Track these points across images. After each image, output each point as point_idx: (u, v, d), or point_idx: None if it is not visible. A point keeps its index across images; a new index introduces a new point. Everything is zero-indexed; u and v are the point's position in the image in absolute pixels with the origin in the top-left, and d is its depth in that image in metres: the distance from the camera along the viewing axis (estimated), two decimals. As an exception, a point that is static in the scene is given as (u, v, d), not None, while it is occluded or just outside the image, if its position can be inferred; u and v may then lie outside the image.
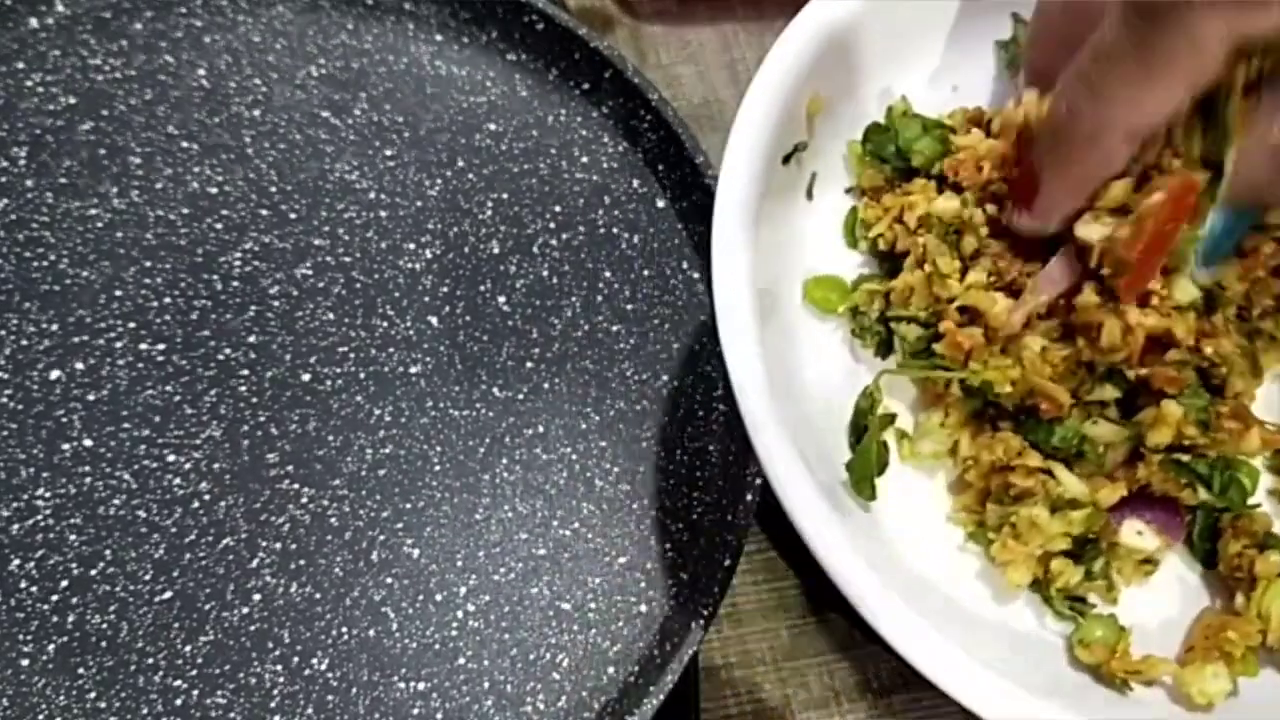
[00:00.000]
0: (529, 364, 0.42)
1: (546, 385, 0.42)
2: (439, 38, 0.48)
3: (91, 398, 0.39)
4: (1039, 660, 0.34)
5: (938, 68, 0.43)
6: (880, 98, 0.42)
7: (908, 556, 0.36)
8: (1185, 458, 0.34)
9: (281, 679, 0.36)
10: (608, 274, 0.44)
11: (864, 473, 0.36)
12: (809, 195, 0.40)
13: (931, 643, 0.31)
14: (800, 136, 0.39)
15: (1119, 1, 0.29)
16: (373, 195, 0.44)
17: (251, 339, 0.41)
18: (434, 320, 0.42)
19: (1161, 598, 0.36)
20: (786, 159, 0.39)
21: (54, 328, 0.40)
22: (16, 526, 0.37)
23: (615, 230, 0.45)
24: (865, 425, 0.37)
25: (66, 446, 0.38)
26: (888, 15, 0.41)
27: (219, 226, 0.43)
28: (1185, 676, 0.33)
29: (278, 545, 0.38)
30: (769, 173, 0.37)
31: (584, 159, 0.46)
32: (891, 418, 0.38)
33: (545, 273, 0.44)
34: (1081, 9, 0.33)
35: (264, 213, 0.43)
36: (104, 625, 0.36)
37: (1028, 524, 0.34)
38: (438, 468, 0.40)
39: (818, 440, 0.36)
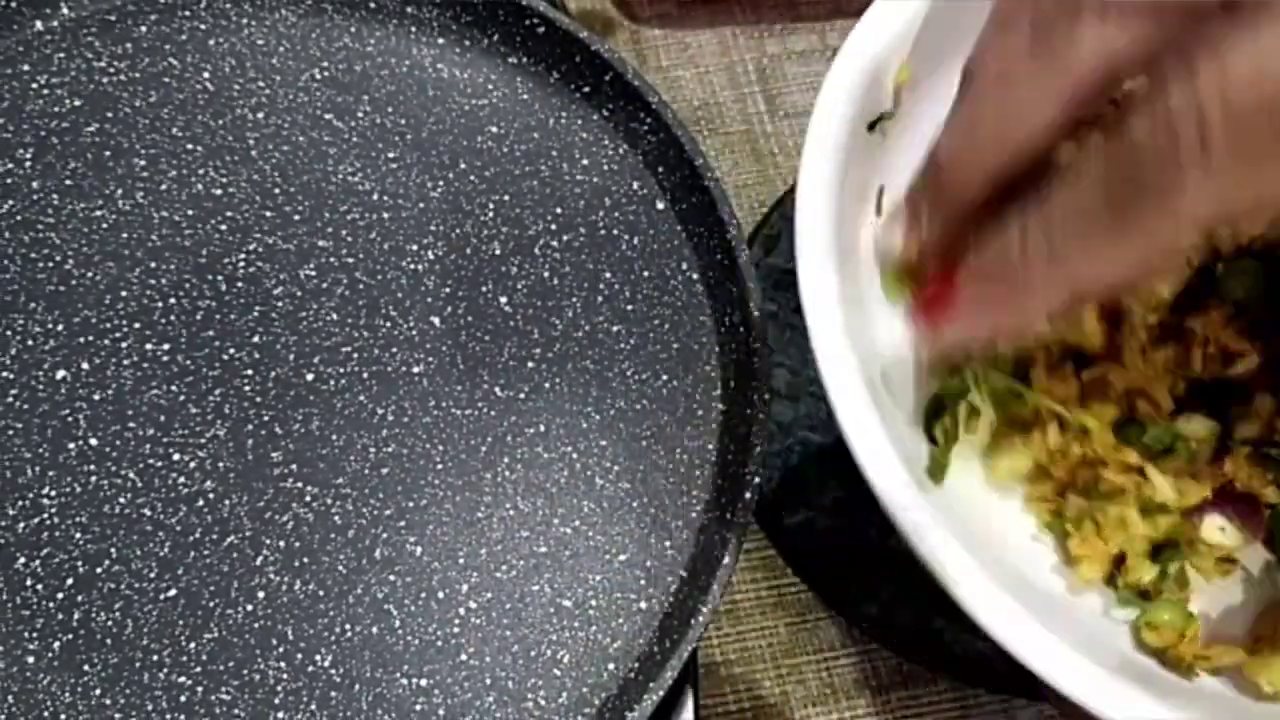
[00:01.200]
0: (530, 364, 0.42)
1: (547, 385, 0.42)
2: (441, 41, 0.48)
3: (97, 397, 0.40)
4: (1106, 643, 0.34)
5: None
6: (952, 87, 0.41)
7: (981, 537, 0.35)
8: (1274, 451, 0.34)
9: (285, 676, 0.36)
10: (608, 275, 0.44)
11: (942, 459, 0.36)
12: (878, 210, 0.39)
13: (1027, 628, 0.30)
14: (887, 105, 0.38)
15: (1099, 163, 0.25)
16: (375, 197, 0.44)
17: (255, 339, 0.41)
18: (436, 320, 0.43)
19: (1228, 588, 0.36)
20: (872, 126, 0.38)
21: (60, 328, 0.41)
22: (22, 524, 0.37)
23: (615, 232, 0.45)
24: (945, 405, 0.36)
25: (72, 445, 0.39)
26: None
27: (223, 228, 0.43)
28: (1254, 666, 0.33)
29: (281, 543, 0.38)
30: (855, 138, 0.36)
31: (584, 161, 0.46)
32: (975, 411, 0.37)
33: (546, 274, 0.44)
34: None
35: (268, 214, 0.43)
36: (109, 622, 0.36)
37: (1116, 522, 0.34)
38: (440, 466, 0.40)
39: (897, 417, 0.36)
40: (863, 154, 0.37)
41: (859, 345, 0.33)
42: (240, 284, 0.42)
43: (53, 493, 0.38)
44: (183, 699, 0.36)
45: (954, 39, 0.39)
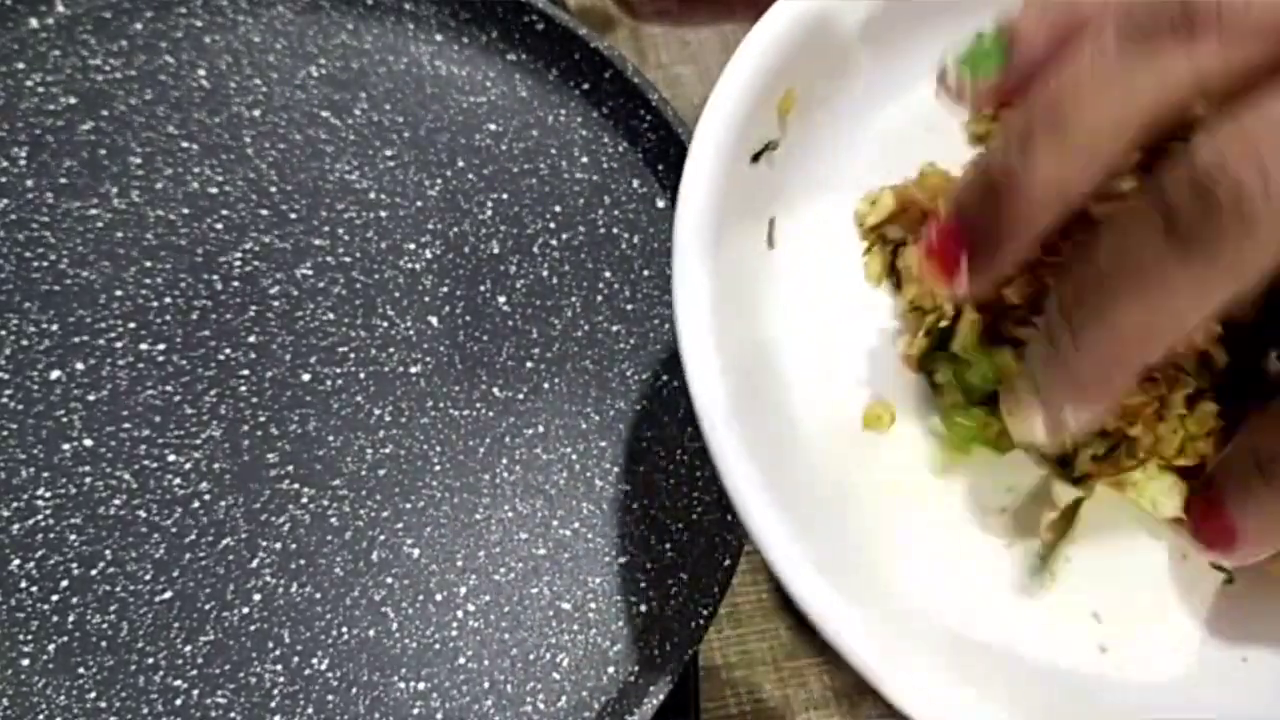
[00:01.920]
0: (529, 364, 0.42)
1: (546, 385, 0.42)
2: (439, 38, 0.48)
3: (92, 398, 0.39)
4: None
5: (929, 73, 0.41)
6: (862, 98, 0.39)
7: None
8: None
9: (282, 679, 0.36)
10: (608, 274, 0.44)
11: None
12: (770, 243, 0.37)
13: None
14: (772, 134, 0.37)
15: (1156, 198, 0.23)
16: (373, 195, 0.44)
17: (251, 339, 0.41)
18: (434, 320, 0.42)
19: None
20: (756, 157, 0.36)
21: (54, 328, 0.40)
22: (17, 526, 0.37)
23: (615, 230, 0.45)
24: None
25: (67, 446, 0.38)
26: (877, 7, 0.38)
27: (219, 226, 0.43)
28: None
29: (278, 545, 0.38)
30: (734, 170, 0.35)
31: (584, 159, 0.46)
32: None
33: (545, 273, 0.44)
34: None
35: (264, 213, 0.43)
36: (104, 625, 0.36)
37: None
38: (438, 467, 0.40)
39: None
40: (747, 187, 0.36)
41: (742, 398, 0.32)
42: (236, 283, 0.42)
43: (47, 494, 0.38)
44: (179, 702, 0.35)
45: (842, 62, 0.38)
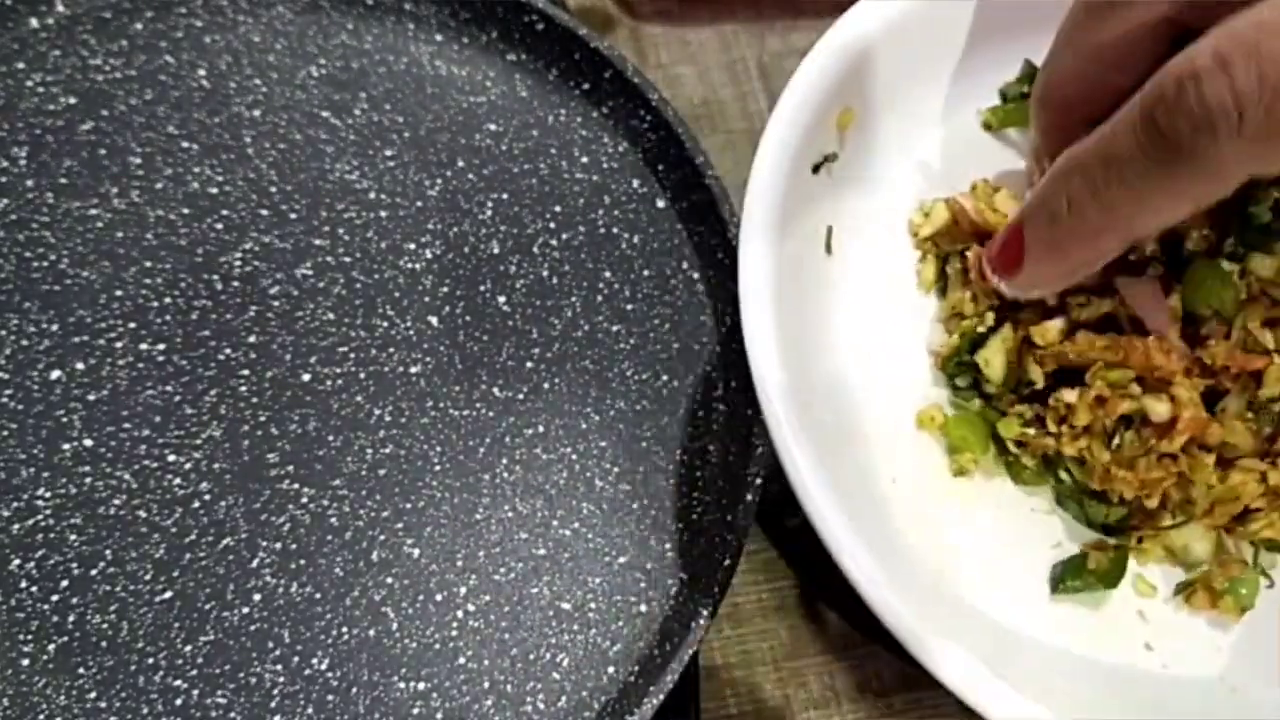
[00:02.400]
0: (529, 364, 0.42)
1: (546, 385, 0.42)
2: (439, 38, 0.48)
3: (92, 398, 0.39)
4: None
5: (977, 96, 0.42)
6: (914, 119, 0.42)
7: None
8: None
9: (282, 679, 0.36)
10: (608, 274, 0.44)
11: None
12: (828, 249, 0.39)
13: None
14: (831, 147, 0.39)
15: (1135, 113, 0.27)
16: (373, 195, 0.44)
17: (251, 339, 0.41)
18: (434, 320, 0.42)
19: None
20: (816, 168, 0.39)
21: (54, 328, 0.40)
22: (17, 526, 0.37)
23: (615, 230, 0.45)
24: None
25: (67, 446, 0.38)
26: (936, 26, 0.40)
27: (219, 226, 0.43)
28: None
29: (278, 545, 0.38)
30: (796, 177, 0.37)
31: (584, 159, 0.46)
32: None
33: (545, 273, 0.44)
34: (1095, 83, 0.32)
35: (264, 213, 0.43)
36: (104, 625, 0.36)
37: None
38: (438, 468, 0.40)
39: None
40: (807, 196, 0.38)
41: (799, 383, 0.34)
42: (236, 283, 0.42)
43: (47, 494, 0.38)
44: (179, 702, 0.35)
45: (897, 82, 0.40)
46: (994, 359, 0.36)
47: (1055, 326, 0.35)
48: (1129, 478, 0.33)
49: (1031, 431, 0.36)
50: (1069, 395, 0.34)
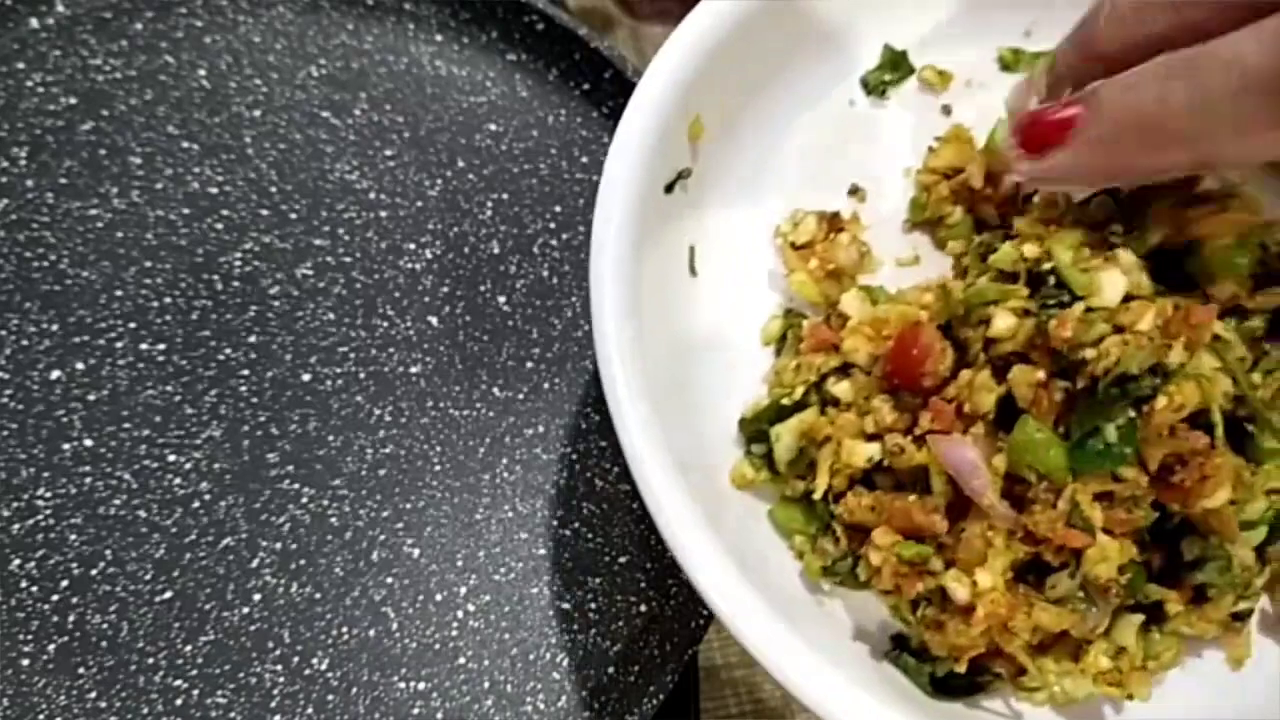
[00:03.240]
0: (529, 364, 0.42)
1: (546, 385, 0.42)
2: (439, 38, 0.48)
3: (92, 398, 0.39)
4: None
5: (839, 87, 0.39)
6: (772, 116, 0.38)
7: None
8: None
9: (282, 679, 0.36)
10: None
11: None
12: (692, 271, 0.36)
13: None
14: (684, 162, 0.36)
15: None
16: (373, 195, 0.44)
17: (252, 339, 0.41)
18: (434, 320, 0.42)
19: None
20: (669, 187, 0.36)
21: (54, 328, 0.40)
22: (17, 526, 0.37)
23: (615, 230, 0.45)
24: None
25: (67, 446, 0.38)
26: (783, 17, 0.37)
27: (219, 226, 0.43)
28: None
29: (278, 545, 0.38)
30: (649, 199, 0.34)
31: (584, 159, 0.46)
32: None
33: (545, 273, 0.44)
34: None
35: (264, 213, 0.43)
36: (104, 625, 0.36)
37: None
38: (438, 467, 0.40)
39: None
40: (664, 217, 0.35)
41: (669, 423, 0.31)
42: (236, 283, 0.42)
43: (48, 494, 0.38)
44: (179, 702, 0.35)
45: (746, 84, 0.37)
46: (785, 438, 0.33)
47: (864, 452, 0.32)
48: (938, 640, 0.30)
49: (836, 576, 0.33)
50: (874, 557, 0.31)
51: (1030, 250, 0.33)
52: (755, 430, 0.34)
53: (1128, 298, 0.31)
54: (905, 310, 0.33)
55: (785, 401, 0.34)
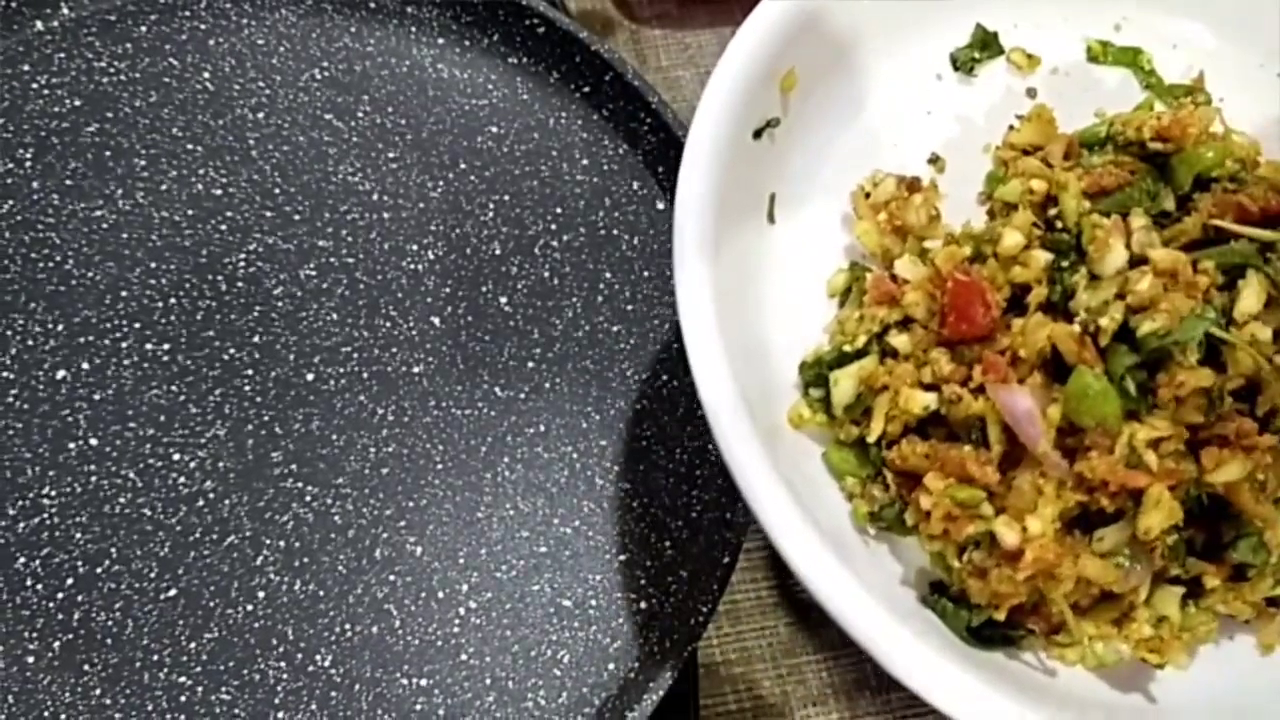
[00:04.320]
0: (530, 364, 0.42)
1: (548, 385, 0.42)
2: (441, 41, 0.48)
3: (97, 397, 0.40)
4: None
5: (930, 59, 0.40)
6: (862, 81, 0.40)
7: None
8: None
9: (285, 675, 0.36)
10: (608, 275, 0.44)
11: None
12: (770, 218, 0.38)
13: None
14: (775, 112, 0.37)
15: None
16: (375, 197, 0.44)
17: (256, 339, 0.41)
18: (436, 320, 0.43)
19: None
20: (758, 133, 0.37)
21: (60, 328, 0.41)
22: (22, 524, 0.37)
23: (615, 231, 0.45)
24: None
25: (72, 445, 0.39)
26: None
27: (223, 228, 0.43)
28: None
29: (281, 543, 0.38)
30: (737, 142, 0.35)
31: (584, 161, 0.47)
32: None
33: (546, 273, 0.44)
34: None
35: (268, 214, 0.44)
36: (109, 622, 0.36)
37: None
38: (440, 466, 0.40)
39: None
40: (748, 162, 0.36)
41: (736, 359, 0.32)
42: (240, 284, 0.42)
43: (53, 493, 0.38)
44: (183, 699, 0.36)
45: (841, 45, 0.39)
46: (844, 382, 0.34)
47: (921, 399, 0.33)
48: (980, 588, 0.31)
49: (883, 522, 0.34)
50: (924, 501, 0.32)
51: (1037, 185, 0.35)
52: (815, 374, 0.35)
53: (1135, 262, 0.32)
54: (950, 251, 0.34)
55: (847, 348, 0.35)
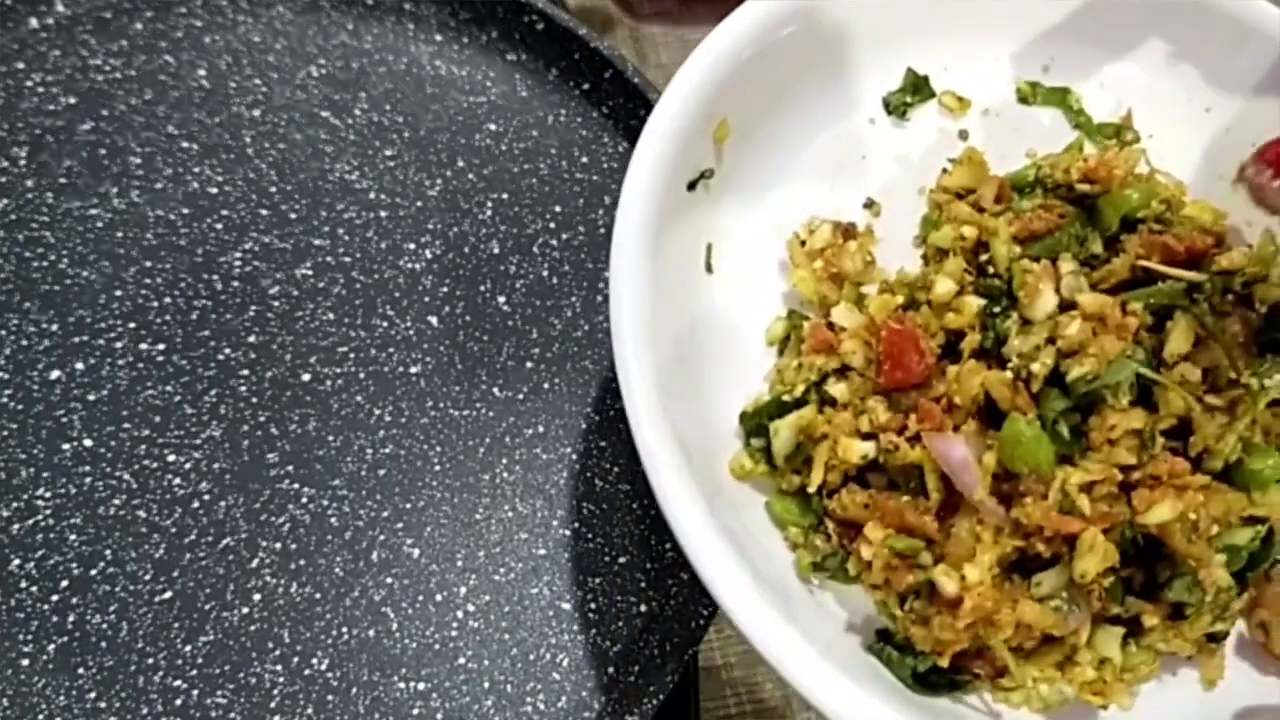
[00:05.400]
0: (529, 364, 0.42)
1: (546, 385, 0.42)
2: (439, 38, 0.48)
3: (92, 398, 0.39)
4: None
5: (863, 104, 0.41)
6: (797, 128, 0.40)
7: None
8: None
9: (281, 679, 0.36)
10: (608, 274, 0.44)
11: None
12: (708, 268, 0.37)
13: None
14: (708, 163, 0.37)
15: None
16: (373, 195, 0.44)
17: (251, 339, 0.41)
18: (434, 320, 0.42)
19: None
20: (692, 185, 0.37)
21: (54, 328, 0.40)
22: (17, 526, 0.37)
23: (615, 230, 0.45)
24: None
25: (67, 446, 0.38)
26: (814, 33, 0.39)
27: (219, 226, 0.43)
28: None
29: (278, 545, 0.38)
30: (671, 195, 0.35)
31: (584, 159, 0.46)
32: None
33: (545, 272, 0.44)
34: None
35: (264, 213, 0.43)
36: (104, 625, 0.36)
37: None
38: (438, 467, 0.40)
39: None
40: (684, 213, 0.36)
41: (677, 412, 0.32)
42: (236, 283, 0.42)
43: (47, 494, 0.38)
44: (178, 702, 0.35)
45: (773, 92, 0.39)
46: (784, 432, 0.34)
47: (859, 449, 0.33)
48: (923, 635, 0.31)
49: (826, 572, 0.34)
50: (865, 551, 0.32)
51: (968, 231, 0.36)
52: (756, 424, 0.35)
53: (1064, 306, 0.33)
54: (884, 300, 0.35)
55: (786, 398, 0.35)
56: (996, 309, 0.34)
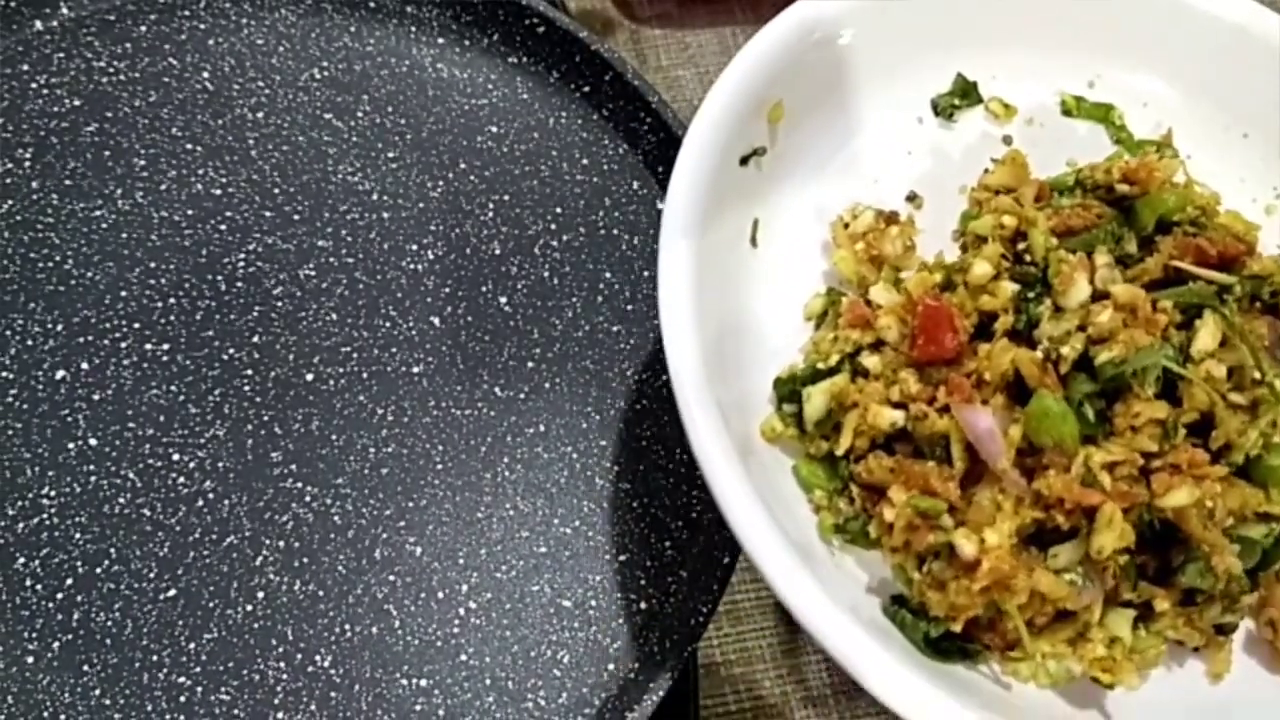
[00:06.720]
0: (530, 364, 0.42)
1: (547, 385, 0.42)
2: (441, 41, 0.48)
3: (96, 397, 0.39)
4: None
5: (912, 103, 0.42)
6: (848, 116, 0.41)
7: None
8: None
9: (285, 676, 0.36)
10: (608, 275, 0.44)
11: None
12: (753, 242, 0.39)
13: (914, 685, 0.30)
14: (761, 141, 0.39)
15: None
16: (375, 197, 0.44)
17: (255, 339, 0.41)
18: (436, 320, 0.43)
19: None
20: (744, 160, 0.38)
21: (59, 328, 0.40)
22: (22, 525, 0.37)
23: (615, 231, 0.45)
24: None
25: (71, 445, 0.39)
26: (873, 30, 0.40)
27: (223, 228, 0.43)
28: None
29: (281, 543, 0.38)
30: (723, 169, 0.37)
31: (584, 161, 0.47)
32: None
33: (546, 273, 0.44)
34: None
35: (267, 214, 0.43)
36: (108, 623, 0.36)
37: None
38: (440, 466, 0.40)
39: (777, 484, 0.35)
40: (734, 189, 0.37)
41: (714, 375, 0.33)
42: (240, 284, 0.42)
43: (52, 493, 0.38)
44: (182, 699, 0.36)
45: (829, 83, 0.41)
46: (816, 398, 0.35)
47: (889, 416, 0.34)
48: (939, 599, 0.32)
49: (847, 535, 0.35)
50: (887, 513, 0.33)
51: (1008, 220, 0.37)
52: (789, 390, 0.36)
53: (1097, 296, 0.34)
54: (922, 277, 0.36)
55: (820, 366, 0.36)
56: (1030, 295, 0.35)
